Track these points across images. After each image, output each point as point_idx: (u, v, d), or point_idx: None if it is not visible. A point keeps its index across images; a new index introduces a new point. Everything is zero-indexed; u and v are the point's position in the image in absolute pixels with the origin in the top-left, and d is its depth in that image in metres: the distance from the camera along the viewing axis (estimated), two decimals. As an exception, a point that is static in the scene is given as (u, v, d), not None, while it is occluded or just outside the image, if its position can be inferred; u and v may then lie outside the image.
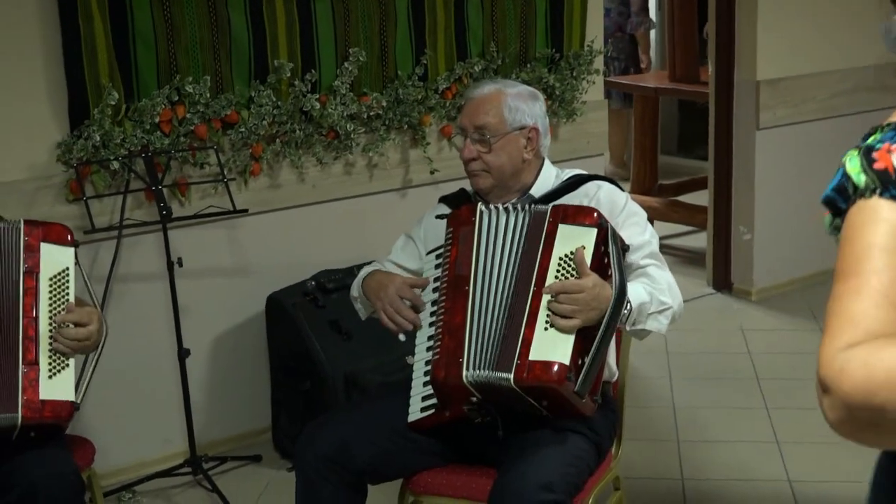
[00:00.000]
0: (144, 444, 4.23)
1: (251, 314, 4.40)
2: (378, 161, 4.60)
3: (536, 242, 2.79)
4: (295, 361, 4.23)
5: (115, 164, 3.94)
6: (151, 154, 3.93)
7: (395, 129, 4.60)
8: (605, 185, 3.03)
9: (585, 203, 2.95)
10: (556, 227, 2.79)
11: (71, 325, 2.84)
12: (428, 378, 2.84)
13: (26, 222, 2.85)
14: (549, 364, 2.66)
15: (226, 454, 4.27)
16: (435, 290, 2.91)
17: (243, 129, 4.20)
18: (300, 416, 4.22)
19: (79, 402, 2.84)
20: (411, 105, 4.58)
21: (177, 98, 4.07)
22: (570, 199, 2.97)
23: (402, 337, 3.97)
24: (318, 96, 4.35)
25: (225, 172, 4.07)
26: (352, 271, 4.36)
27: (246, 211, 4.07)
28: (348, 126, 4.40)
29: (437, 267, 2.94)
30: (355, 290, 3.17)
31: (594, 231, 2.75)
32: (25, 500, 2.71)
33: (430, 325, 2.88)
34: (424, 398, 2.88)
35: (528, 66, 4.90)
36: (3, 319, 2.78)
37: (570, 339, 2.68)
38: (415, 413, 2.90)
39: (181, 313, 3.97)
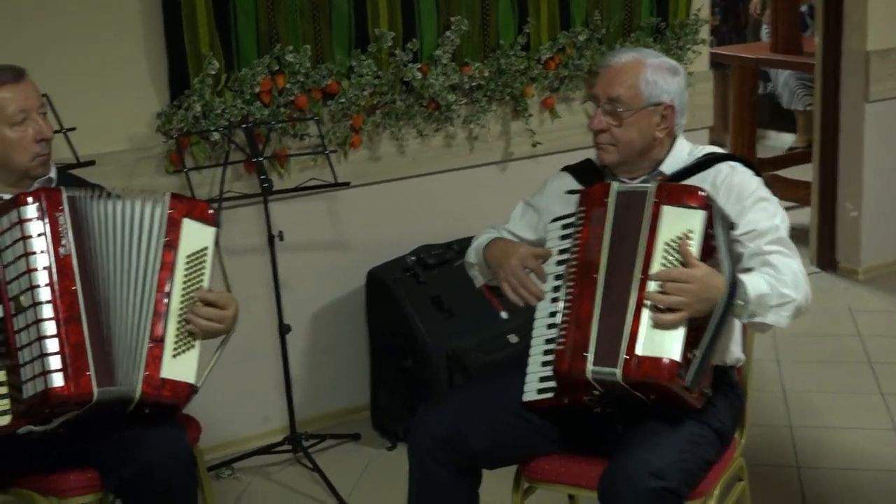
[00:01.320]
0: (244, 421, 4.18)
1: (351, 289, 4.32)
2: (479, 133, 4.49)
3: (638, 226, 2.65)
4: (396, 338, 4.15)
5: (216, 135, 3.88)
6: (252, 125, 3.85)
7: (496, 101, 4.48)
8: (739, 166, 2.86)
9: (718, 184, 2.79)
10: (660, 208, 2.64)
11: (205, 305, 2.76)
12: (548, 359, 2.71)
13: (172, 196, 2.76)
14: (658, 360, 2.54)
15: (325, 432, 4.20)
16: (560, 262, 2.77)
17: (343, 100, 4.11)
18: (401, 394, 4.14)
19: (199, 385, 2.75)
20: (513, 75, 4.46)
21: (277, 68, 3.99)
22: (700, 180, 2.81)
23: (504, 315, 3.89)
24: (419, 66, 4.24)
25: (325, 144, 3.97)
26: (451, 246, 4.28)
27: (347, 184, 3.97)
28: (449, 97, 4.30)
29: (562, 238, 2.79)
30: (473, 256, 3.04)
31: (700, 214, 2.61)
32: (141, 476, 2.66)
33: (553, 300, 2.75)
34: (542, 379, 2.76)
35: (633, 35, 4.73)
36: (142, 292, 2.70)
37: (681, 332, 2.55)
38: (531, 393, 2.78)
39: (281, 288, 3.90)
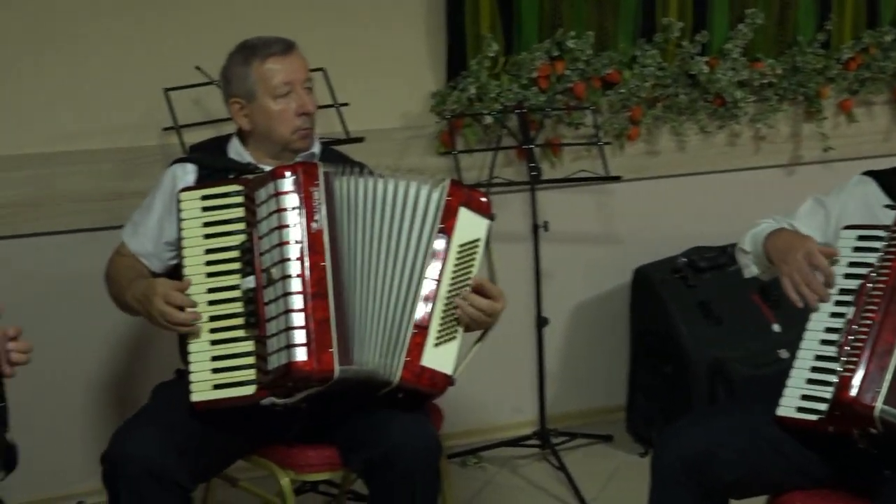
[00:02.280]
0: (494, 410, 4.13)
1: (615, 286, 4.20)
2: (766, 133, 4.29)
3: None
4: (658, 341, 4.00)
5: (489, 119, 3.83)
6: (526, 111, 3.78)
7: (787, 100, 4.28)
8: None
9: None
10: None
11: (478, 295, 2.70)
12: (815, 377, 2.48)
13: (452, 183, 2.72)
14: None
15: (576, 430, 4.09)
16: (849, 276, 2.53)
17: (624, 91, 4.00)
18: (659, 399, 4.00)
19: (456, 378, 2.69)
20: (809, 74, 4.23)
21: (557, 53, 3.91)
22: None
23: (776, 327, 3.66)
24: (706, 59, 4.09)
25: (600, 135, 3.86)
26: (725, 250, 4.08)
27: (619, 178, 3.83)
28: (737, 93, 4.12)
29: (856, 250, 2.55)
30: (749, 243, 2.81)
31: None
32: (386, 460, 2.61)
33: (833, 315, 2.51)
34: (805, 397, 2.53)
35: (949, 38, 4.37)
36: (408, 276, 2.66)
37: None
38: (787, 409, 2.54)
39: (542, 279, 3.81)
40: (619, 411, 4.20)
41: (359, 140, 3.48)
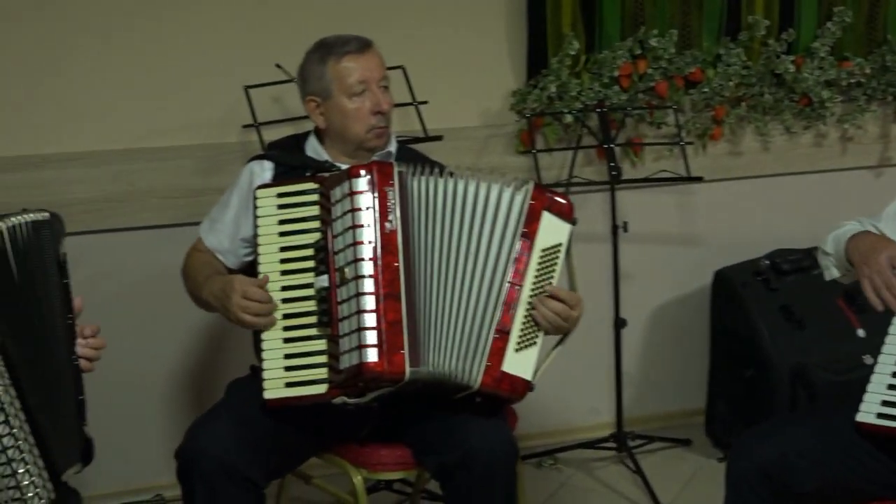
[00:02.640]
0: (571, 411, 4.10)
1: (695, 288, 4.14)
2: (854, 134, 4.20)
3: None
4: (738, 345, 3.93)
5: (569, 118, 3.79)
6: (607, 110, 3.74)
7: (876, 100, 4.18)
8: None
9: None
10: None
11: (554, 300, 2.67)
12: None
13: (536, 186, 2.70)
14: None
15: (653, 433, 4.05)
16: None
17: (707, 90, 3.94)
18: (739, 403, 3.94)
19: (535, 383, 2.67)
20: (899, 74, 4.12)
21: (639, 51, 3.86)
22: None
23: (861, 333, 3.58)
24: (793, 58, 4.01)
25: (682, 135, 3.80)
26: (809, 253, 3.98)
27: (701, 178, 3.77)
28: (824, 93, 4.03)
29: None
30: (830, 245, 2.75)
31: None
32: (464, 464, 2.60)
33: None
34: (887, 403, 2.47)
35: None
36: (489, 280, 2.65)
37: None
38: (867, 415, 2.49)
39: (621, 280, 3.77)
40: (698, 415, 4.14)
41: (437, 138, 3.47)
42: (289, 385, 2.59)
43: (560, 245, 2.69)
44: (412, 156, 2.94)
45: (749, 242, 4.04)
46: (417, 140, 3.37)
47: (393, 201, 2.59)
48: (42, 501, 2.08)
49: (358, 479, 2.75)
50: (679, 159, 3.77)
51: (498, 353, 2.60)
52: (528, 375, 2.64)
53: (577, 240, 2.72)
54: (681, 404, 4.22)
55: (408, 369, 2.53)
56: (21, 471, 2.04)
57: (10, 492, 2.04)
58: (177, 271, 2.93)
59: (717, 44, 3.96)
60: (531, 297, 2.64)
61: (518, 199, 2.65)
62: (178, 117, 3.54)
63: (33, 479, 2.06)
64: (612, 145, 3.68)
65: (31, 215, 2.18)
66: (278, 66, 3.40)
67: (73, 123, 3.46)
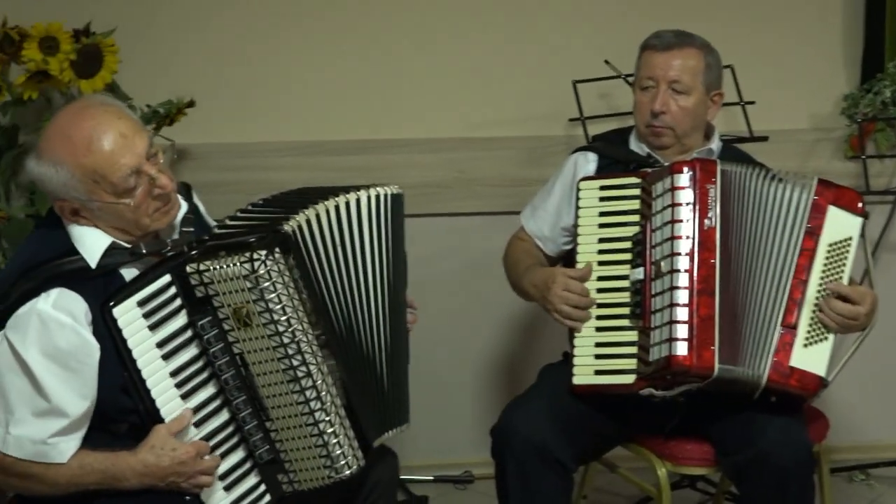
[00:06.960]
0: (886, 426, 3.94)
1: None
2: None
3: None
4: None
5: (903, 124, 3.66)
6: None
7: None
8: None
9: None
10: None
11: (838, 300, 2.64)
12: None
13: (819, 182, 2.68)
14: None
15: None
16: None
17: None
18: None
19: (829, 380, 2.63)
20: None
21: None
22: None
23: None
24: None
25: None
26: None
27: None
28: None
29: None
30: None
31: None
32: (756, 462, 2.60)
33: None
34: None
35: None
36: (777, 276, 2.65)
37: None
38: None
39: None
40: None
41: (762, 139, 3.43)
42: (598, 373, 2.66)
43: (850, 239, 2.67)
44: (736, 155, 2.95)
45: None
46: (742, 140, 3.35)
47: (713, 199, 2.61)
48: (352, 469, 2.23)
49: (662, 472, 2.78)
50: None
51: (785, 347, 2.61)
52: (821, 371, 2.61)
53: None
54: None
55: (717, 366, 2.54)
56: (332, 442, 2.20)
57: (321, 460, 2.20)
58: (497, 258, 3.04)
59: None
60: (819, 291, 2.63)
61: (803, 195, 2.66)
62: (508, 109, 3.67)
63: (343, 448, 2.21)
64: (948, 153, 3.54)
65: (394, 188, 2.42)
66: (607, 62, 3.46)
67: (411, 112, 3.67)
